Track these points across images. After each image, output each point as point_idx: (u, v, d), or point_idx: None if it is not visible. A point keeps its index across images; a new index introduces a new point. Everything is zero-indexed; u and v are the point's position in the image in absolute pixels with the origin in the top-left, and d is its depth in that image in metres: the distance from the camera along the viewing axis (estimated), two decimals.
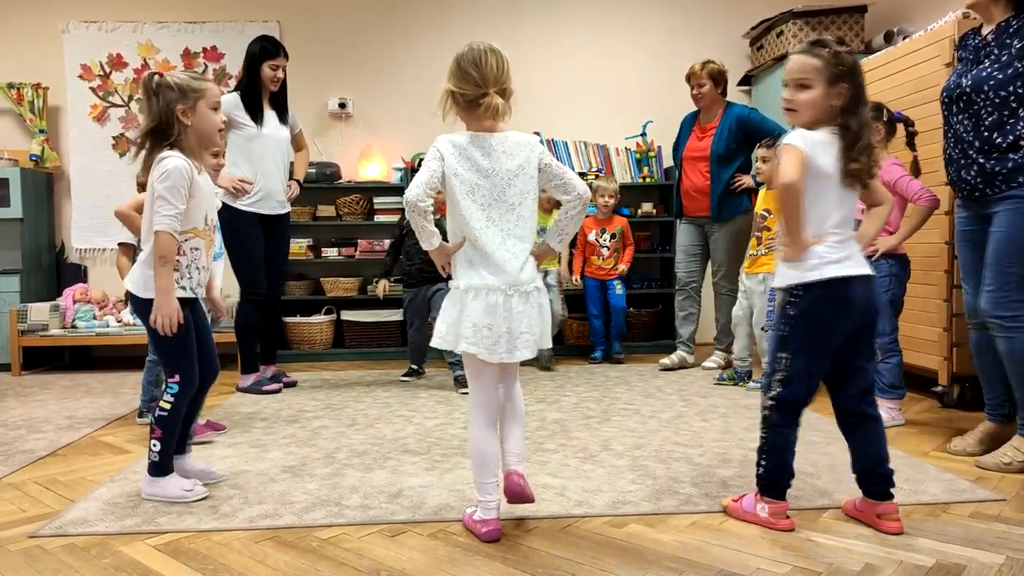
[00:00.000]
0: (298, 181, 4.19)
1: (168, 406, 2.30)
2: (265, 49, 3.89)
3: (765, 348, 3.83)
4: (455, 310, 2.00)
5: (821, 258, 2.00)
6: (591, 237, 4.81)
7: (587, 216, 4.87)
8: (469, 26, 5.40)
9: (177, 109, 2.25)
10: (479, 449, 2.04)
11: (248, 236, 3.84)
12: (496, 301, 1.97)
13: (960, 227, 2.78)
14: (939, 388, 3.52)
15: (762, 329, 3.81)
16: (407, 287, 4.25)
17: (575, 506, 2.23)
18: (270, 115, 3.95)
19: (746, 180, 4.31)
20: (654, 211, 5.25)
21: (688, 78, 4.41)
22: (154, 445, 2.31)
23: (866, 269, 2.05)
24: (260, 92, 3.90)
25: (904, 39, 4.60)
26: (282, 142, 3.99)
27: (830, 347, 2.04)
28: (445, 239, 2.06)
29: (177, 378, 2.31)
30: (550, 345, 2.09)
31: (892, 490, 2.06)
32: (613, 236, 4.78)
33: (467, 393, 3.47)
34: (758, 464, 2.10)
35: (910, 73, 3.65)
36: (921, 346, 3.57)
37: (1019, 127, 2.51)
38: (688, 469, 2.57)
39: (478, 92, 1.99)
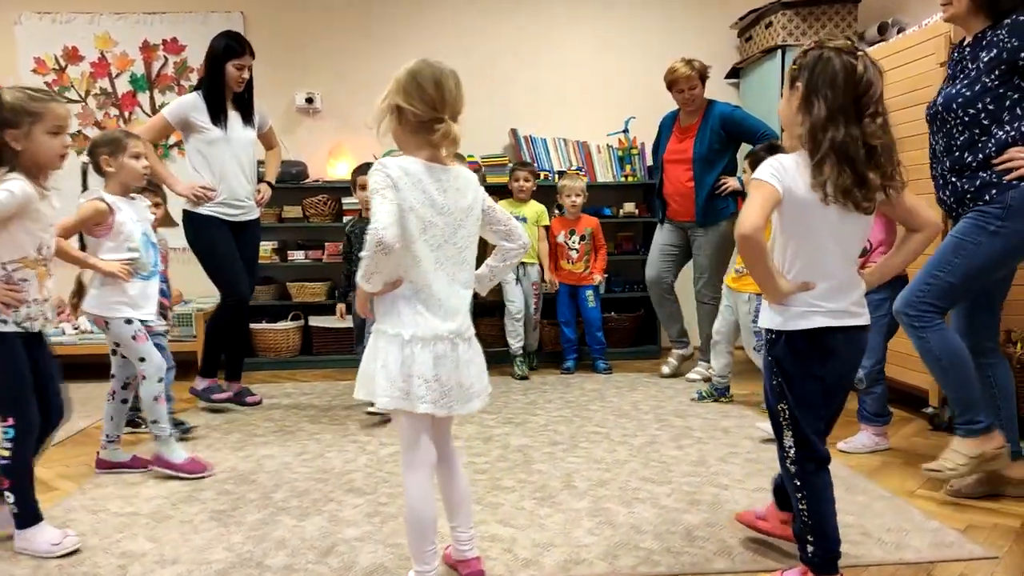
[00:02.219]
0: (269, 183, 3.95)
1: (8, 453, 2.09)
2: (230, 48, 3.61)
3: (760, 366, 3.62)
4: (396, 363, 1.73)
5: (808, 305, 1.75)
6: (559, 239, 4.57)
7: (555, 217, 4.66)
8: (442, 18, 5.14)
9: (6, 134, 2.01)
10: (419, 516, 1.79)
11: (216, 238, 3.60)
12: (443, 351, 1.75)
13: None
14: (929, 409, 3.31)
15: (755, 349, 3.60)
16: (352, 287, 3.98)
17: (522, 567, 2.01)
18: (234, 117, 3.69)
19: (732, 183, 4.07)
20: (636, 211, 5.01)
21: (672, 82, 4.12)
22: (8, 497, 2.12)
23: (863, 319, 1.80)
24: (223, 93, 3.64)
25: (899, 31, 4.35)
26: (247, 145, 3.74)
27: (820, 391, 1.81)
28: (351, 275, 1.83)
29: (11, 421, 2.10)
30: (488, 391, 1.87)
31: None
32: (582, 238, 4.54)
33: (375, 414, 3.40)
34: (805, 542, 1.81)
35: (902, 72, 3.40)
36: (911, 363, 3.35)
37: (990, 145, 2.34)
38: (652, 515, 2.36)
39: (433, 115, 1.73)
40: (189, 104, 3.60)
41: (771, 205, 1.70)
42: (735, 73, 5.16)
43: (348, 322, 4.62)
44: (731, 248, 4.13)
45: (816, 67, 1.70)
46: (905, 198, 1.78)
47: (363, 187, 3.95)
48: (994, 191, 2.33)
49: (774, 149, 3.62)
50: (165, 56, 5.05)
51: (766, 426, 2.98)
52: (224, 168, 3.64)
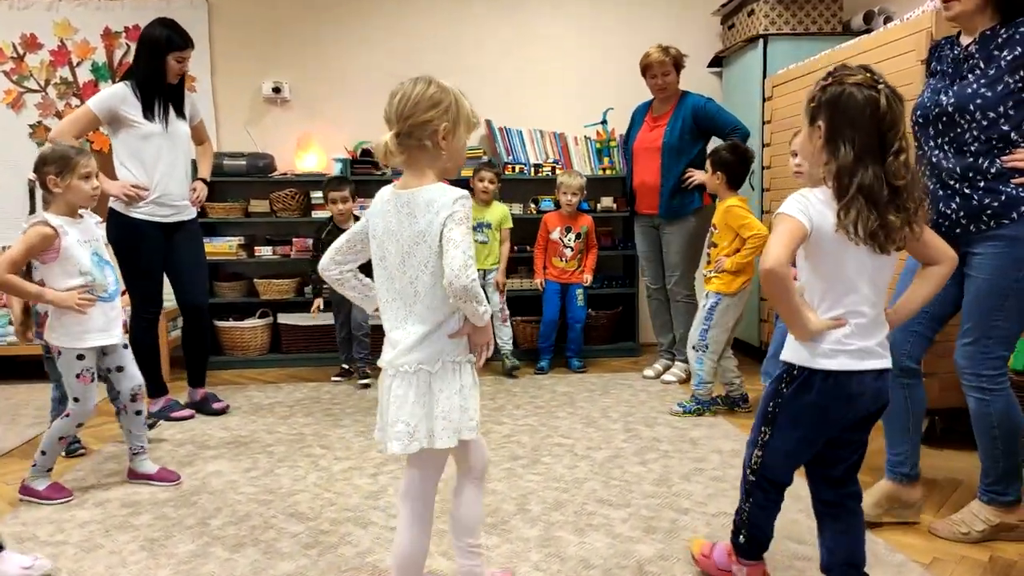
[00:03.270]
0: (204, 181, 3.75)
1: None
2: (172, 40, 3.39)
3: (697, 369, 3.53)
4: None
5: (837, 343, 1.68)
6: (555, 235, 4.44)
7: (552, 212, 4.52)
8: (415, 5, 4.95)
9: None
10: (397, 551, 1.82)
11: (139, 248, 3.38)
12: (383, 381, 1.74)
13: None
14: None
15: (692, 348, 3.51)
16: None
17: None
18: (166, 109, 3.47)
19: (698, 175, 3.93)
20: (615, 205, 4.86)
21: (646, 67, 4.00)
22: None
23: (887, 361, 1.73)
24: (161, 86, 3.43)
25: (885, 20, 4.19)
26: (182, 139, 3.55)
27: (820, 438, 1.76)
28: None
29: None
30: (444, 445, 1.74)
31: None
32: (578, 236, 4.42)
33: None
34: (737, 532, 1.93)
35: (882, 68, 3.23)
36: None
37: (1008, 153, 2.12)
38: (604, 545, 2.25)
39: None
40: (119, 96, 3.37)
41: (798, 240, 1.64)
42: (718, 62, 5.00)
43: (320, 319, 4.54)
44: (700, 243, 4.02)
45: (838, 105, 1.63)
46: (925, 233, 1.72)
47: (334, 200, 4.14)
48: (1022, 208, 2.10)
49: (736, 150, 3.50)
50: (127, 44, 4.87)
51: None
52: (156, 165, 3.42)
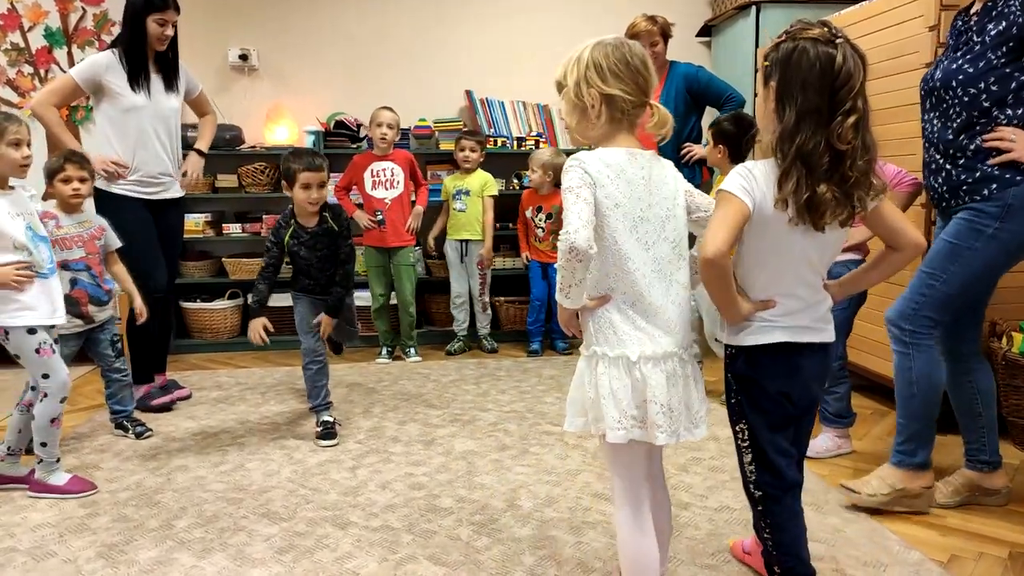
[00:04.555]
0: (199, 151, 3.52)
1: None
2: (150, 1, 3.14)
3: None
4: (625, 389, 1.50)
5: (767, 321, 1.55)
6: (528, 214, 4.26)
7: (525, 189, 4.34)
8: None
9: None
10: (639, 562, 1.57)
11: (124, 224, 3.09)
12: (673, 369, 1.52)
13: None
14: None
15: (716, 340, 3.34)
16: (306, 291, 3.10)
17: None
18: (155, 81, 3.26)
19: (697, 150, 3.77)
20: None
21: (632, 36, 3.80)
22: None
23: (827, 335, 1.59)
24: (145, 52, 3.19)
25: None
26: (169, 114, 3.31)
27: (782, 416, 1.62)
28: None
29: None
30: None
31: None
32: (549, 216, 4.22)
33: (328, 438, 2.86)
34: (770, 568, 1.69)
35: (886, 35, 3.08)
36: (885, 352, 3.11)
37: (990, 130, 2.06)
38: (602, 546, 2.09)
39: (642, 99, 1.54)
40: (102, 64, 3.17)
41: (740, 223, 1.49)
42: (707, 31, 4.81)
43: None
44: None
45: (789, 63, 1.46)
46: (886, 212, 1.56)
47: (308, 186, 2.87)
48: (994, 186, 2.06)
49: (739, 120, 3.30)
50: (83, 8, 4.57)
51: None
52: (140, 140, 3.22)
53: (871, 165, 1.46)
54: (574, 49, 1.61)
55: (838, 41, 1.44)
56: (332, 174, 4.20)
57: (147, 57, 3.22)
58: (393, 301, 4.21)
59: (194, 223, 4.44)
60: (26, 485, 2.50)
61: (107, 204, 3.18)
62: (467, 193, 4.22)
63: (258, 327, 2.94)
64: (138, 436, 2.96)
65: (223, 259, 4.59)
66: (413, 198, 4.19)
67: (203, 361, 4.27)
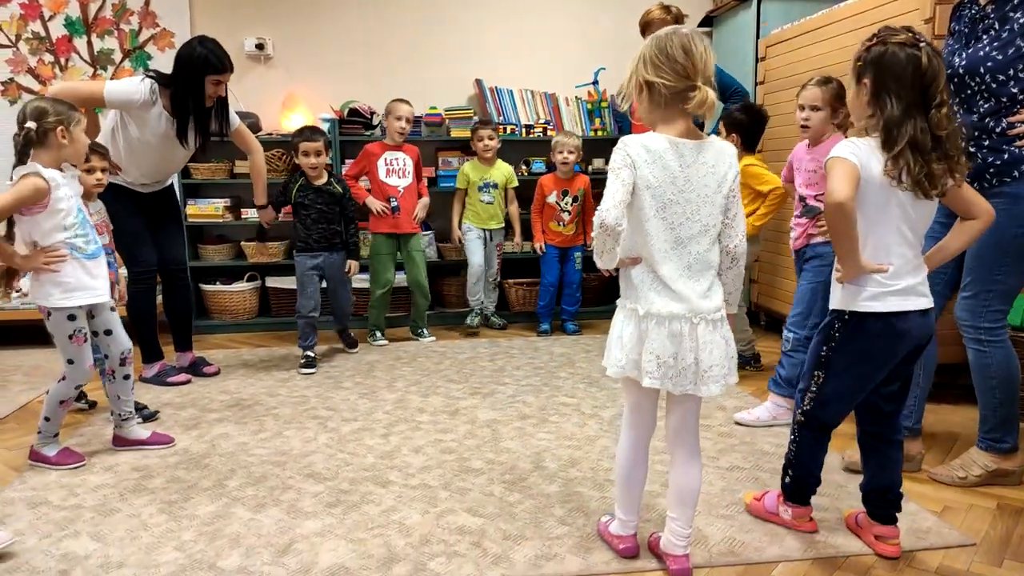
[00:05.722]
0: (262, 206, 3.88)
1: None
2: (209, 63, 3.19)
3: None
4: (631, 336, 1.77)
5: (882, 286, 1.81)
6: (551, 199, 4.40)
7: (547, 175, 4.49)
8: None
9: None
10: (626, 474, 1.93)
11: (117, 209, 3.21)
12: (679, 330, 1.73)
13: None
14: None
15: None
16: (303, 252, 3.86)
17: (491, 565, 1.92)
18: (190, 128, 3.33)
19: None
20: (606, 167, 4.84)
21: (647, 26, 3.96)
22: None
23: (929, 301, 1.87)
24: (191, 107, 3.26)
25: None
26: (187, 154, 3.46)
27: (874, 379, 1.89)
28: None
29: None
30: (735, 380, 1.82)
31: (897, 515, 1.98)
32: (575, 199, 4.39)
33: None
34: (784, 472, 2.07)
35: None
36: None
37: (1014, 114, 2.17)
38: None
39: (686, 84, 1.68)
40: (136, 100, 3.17)
41: (856, 179, 1.75)
42: (708, 22, 4.97)
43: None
44: None
45: (882, 64, 1.76)
46: (962, 186, 1.85)
47: (307, 153, 3.78)
48: (1023, 166, 2.17)
49: (750, 109, 3.47)
50: None
51: (744, 416, 2.93)
52: (148, 160, 3.35)
53: (961, 146, 1.76)
54: None
55: (921, 44, 1.73)
56: (346, 160, 4.38)
57: (196, 110, 3.29)
58: (397, 285, 4.38)
59: (213, 208, 4.59)
60: (150, 446, 2.71)
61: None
62: (494, 186, 4.39)
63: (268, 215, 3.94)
64: (146, 419, 3.00)
65: (241, 243, 4.74)
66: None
67: (224, 341, 4.43)
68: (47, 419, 2.57)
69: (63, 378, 2.55)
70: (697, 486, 1.87)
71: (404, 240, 4.26)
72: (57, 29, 4.69)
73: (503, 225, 4.47)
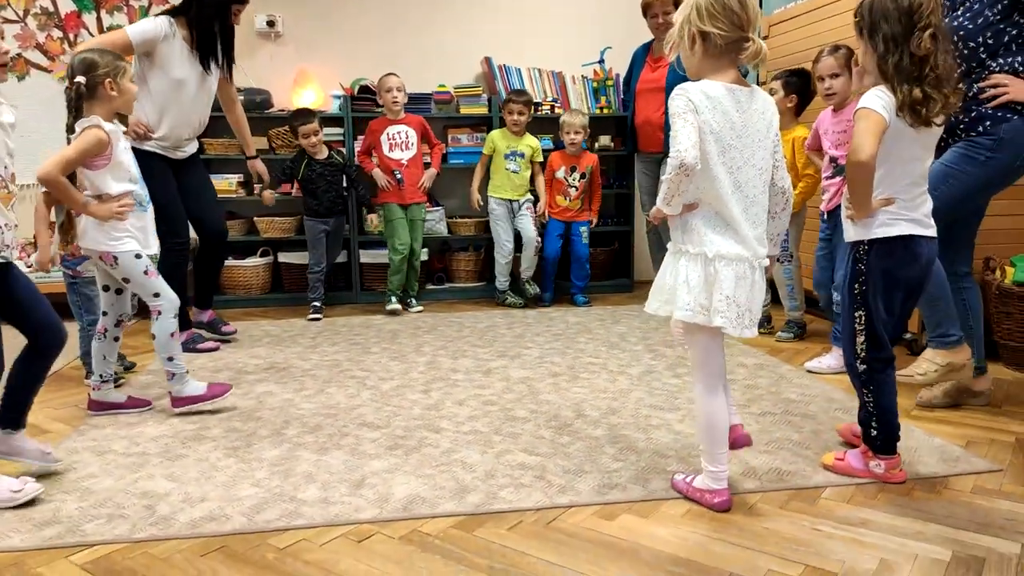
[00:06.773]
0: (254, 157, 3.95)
1: None
2: None
3: (785, 280, 3.65)
4: (698, 279, 1.82)
5: (892, 215, 1.95)
6: (559, 174, 4.52)
7: (556, 151, 4.59)
8: None
9: None
10: (713, 426, 1.92)
11: (156, 181, 3.14)
12: (743, 272, 1.82)
13: None
14: (908, 335, 3.44)
15: (778, 261, 3.58)
16: (314, 217, 4.37)
17: (559, 493, 2.03)
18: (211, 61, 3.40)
19: None
20: (612, 144, 4.97)
21: (647, 6, 4.08)
22: None
23: (935, 230, 2.01)
24: (220, 38, 3.36)
25: None
26: (210, 90, 3.50)
27: (897, 300, 2.02)
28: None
29: None
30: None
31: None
32: (583, 176, 4.51)
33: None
34: (867, 428, 2.08)
35: None
36: None
37: (983, 78, 2.38)
38: (671, 440, 2.40)
39: (740, 35, 1.78)
40: (160, 34, 3.23)
41: (882, 131, 1.85)
42: None
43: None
44: None
45: (872, 8, 1.87)
46: None
47: (306, 135, 4.24)
48: (988, 123, 2.37)
49: (804, 75, 3.49)
50: None
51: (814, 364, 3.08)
52: (179, 110, 3.36)
53: (952, 67, 1.85)
54: None
55: None
56: (358, 137, 4.47)
57: (218, 39, 3.38)
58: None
59: (227, 183, 4.63)
60: (126, 410, 2.71)
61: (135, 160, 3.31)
62: (521, 156, 4.49)
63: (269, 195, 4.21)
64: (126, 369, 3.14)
65: (254, 218, 4.78)
66: (427, 160, 4.48)
67: (239, 315, 4.47)
68: (170, 359, 2.63)
69: (159, 313, 2.59)
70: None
71: (408, 208, 4.39)
72: (66, 5, 4.68)
73: (529, 196, 4.56)
